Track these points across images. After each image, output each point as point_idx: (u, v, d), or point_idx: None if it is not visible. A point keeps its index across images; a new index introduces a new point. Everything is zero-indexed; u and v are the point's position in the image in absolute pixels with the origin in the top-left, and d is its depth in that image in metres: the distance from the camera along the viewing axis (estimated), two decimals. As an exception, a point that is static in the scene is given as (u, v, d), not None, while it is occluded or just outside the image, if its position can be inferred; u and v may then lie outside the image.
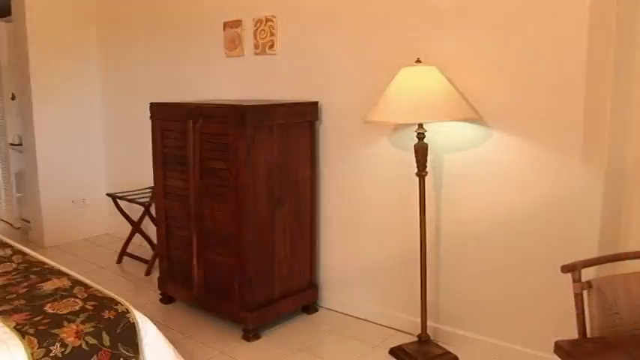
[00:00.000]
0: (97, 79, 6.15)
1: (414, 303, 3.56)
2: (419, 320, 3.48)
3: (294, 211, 3.89)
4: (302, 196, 3.93)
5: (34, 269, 3.20)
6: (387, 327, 3.84)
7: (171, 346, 2.78)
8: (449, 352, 3.41)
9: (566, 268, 2.42)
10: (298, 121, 3.85)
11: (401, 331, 3.77)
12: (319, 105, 3.99)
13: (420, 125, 3.23)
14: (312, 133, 3.94)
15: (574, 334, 2.45)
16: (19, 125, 6.32)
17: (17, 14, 5.78)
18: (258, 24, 4.29)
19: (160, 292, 4.38)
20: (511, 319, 3.31)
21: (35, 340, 2.35)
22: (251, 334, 3.72)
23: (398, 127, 3.64)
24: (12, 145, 6.62)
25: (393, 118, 3.24)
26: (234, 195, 3.60)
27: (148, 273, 5.01)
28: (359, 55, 3.78)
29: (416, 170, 3.28)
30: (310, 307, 4.11)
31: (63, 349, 2.38)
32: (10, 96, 6.56)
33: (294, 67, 4.14)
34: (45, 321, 2.50)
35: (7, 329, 2.42)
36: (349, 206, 3.97)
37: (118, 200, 5.24)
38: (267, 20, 4.22)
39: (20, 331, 2.40)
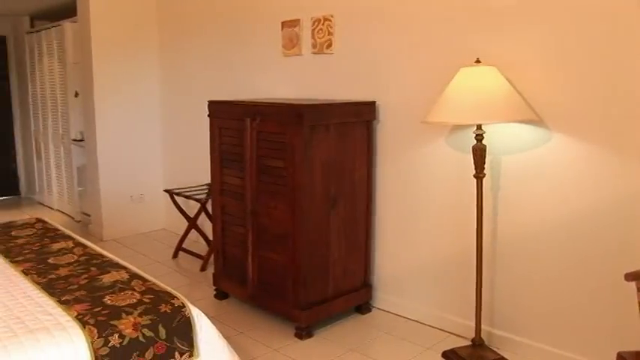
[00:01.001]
0: (157, 77, 6.26)
1: (468, 306, 3.52)
2: (473, 324, 3.44)
3: (350, 211, 3.88)
4: (358, 195, 3.92)
5: (94, 261, 3.29)
6: (440, 329, 3.81)
7: (225, 342, 2.81)
8: (503, 358, 3.36)
9: (630, 277, 2.33)
10: (355, 121, 3.84)
11: (454, 334, 3.73)
12: (376, 105, 3.97)
13: (479, 126, 3.19)
14: (369, 132, 3.93)
15: (638, 346, 2.37)
16: (82, 122, 6.49)
17: (82, 15, 5.95)
18: (316, 23, 4.30)
19: (214, 287, 4.44)
20: (569, 327, 3.23)
21: (95, 330, 2.42)
22: (304, 333, 3.74)
23: (456, 128, 3.60)
24: (74, 140, 6.80)
25: (451, 118, 3.20)
26: (291, 193, 3.62)
27: (202, 269, 5.08)
28: (417, 55, 3.75)
29: (473, 172, 3.23)
30: (363, 307, 4.10)
31: (121, 340, 2.44)
32: (74, 93, 6.74)
33: (352, 67, 4.13)
34: (104, 312, 2.57)
35: (69, 318, 2.50)
36: (405, 207, 3.95)
37: (175, 196, 5.33)
38: (325, 19, 4.23)
39: (81, 320, 2.47)
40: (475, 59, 3.17)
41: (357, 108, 3.89)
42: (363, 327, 3.92)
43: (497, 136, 3.39)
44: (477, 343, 3.40)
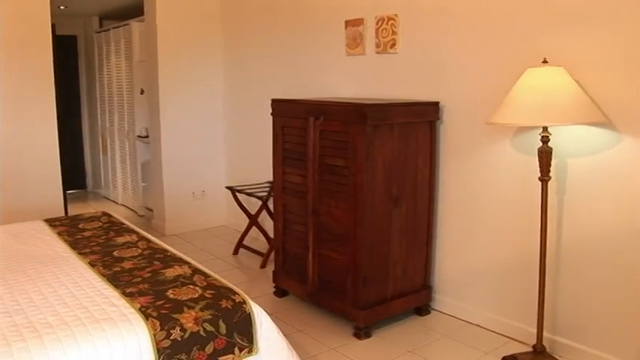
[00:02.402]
0: (220, 75, 6.34)
1: (530, 311, 3.44)
2: (534, 330, 3.35)
3: (411, 211, 3.85)
4: (420, 196, 3.89)
5: (158, 255, 3.34)
6: (500, 334, 3.74)
7: (285, 339, 2.82)
8: (566, 366, 3.28)
9: None
10: (419, 121, 3.81)
11: (514, 339, 3.65)
12: (440, 105, 3.93)
13: (545, 128, 3.11)
14: (432, 133, 3.89)
15: None
16: (147, 118, 6.63)
17: (149, 14, 6.07)
18: (380, 22, 4.28)
19: (273, 285, 4.47)
20: (637, 337, 3.12)
21: (157, 323, 2.46)
22: (362, 333, 3.72)
23: (521, 130, 3.53)
24: (139, 137, 6.95)
25: (516, 120, 3.13)
26: (353, 193, 3.61)
27: (263, 266, 5.12)
28: (482, 55, 3.69)
29: (538, 175, 3.16)
30: (422, 308, 4.06)
31: (182, 334, 2.48)
32: (140, 91, 6.89)
33: (416, 67, 4.10)
34: (166, 305, 2.61)
35: (132, 310, 2.55)
36: (467, 208, 3.89)
37: (237, 193, 5.39)
38: (389, 19, 4.20)
39: (144, 313, 2.52)
40: (542, 59, 3.10)
41: (420, 108, 3.86)
42: (421, 329, 3.88)
43: (563, 139, 3.31)
44: (539, 350, 3.31)
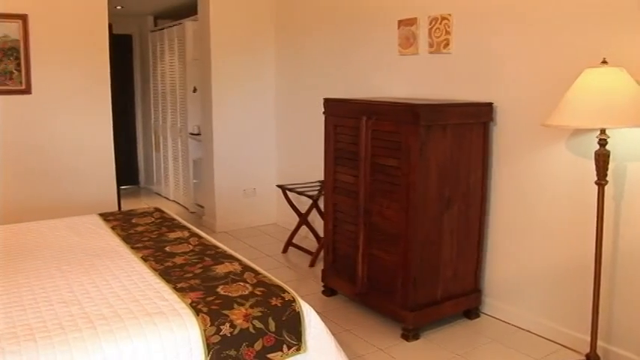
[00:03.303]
0: (272, 74, 6.38)
1: (584, 319, 3.36)
2: (588, 338, 3.26)
3: (463, 213, 3.81)
4: (472, 198, 3.84)
5: (209, 252, 3.38)
6: (551, 341, 3.65)
7: (333, 339, 2.82)
8: (621, 377, 3.19)
9: None
10: (472, 122, 3.77)
11: (566, 347, 3.57)
12: (494, 106, 3.87)
13: (603, 131, 3.03)
14: (485, 134, 3.84)
15: None
16: (199, 116, 6.71)
17: (202, 14, 6.14)
18: (434, 22, 4.24)
19: (322, 284, 4.47)
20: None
21: (208, 319, 2.49)
22: (410, 334, 3.70)
23: (577, 132, 3.45)
24: (191, 134, 7.04)
25: (573, 122, 3.06)
26: (404, 193, 3.59)
27: (312, 264, 5.13)
28: (538, 55, 3.62)
29: (595, 178, 3.08)
30: (472, 312, 4.01)
31: (232, 330, 2.50)
32: (193, 89, 6.97)
33: (469, 67, 4.05)
34: (217, 301, 2.63)
35: (183, 305, 2.58)
36: (520, 211, 3.82)
37: (288, 192, 5.41)
38: (443, 19, 4.16)
39: (195, 308, 2.55)
40: (601, 59, 3.02)
41: (473, 109, 3.81)
42: (470, 333, 3.83)
43: (622, 142, 3.22)
44: None
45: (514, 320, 3.90)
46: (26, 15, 5.13)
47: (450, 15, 4.12)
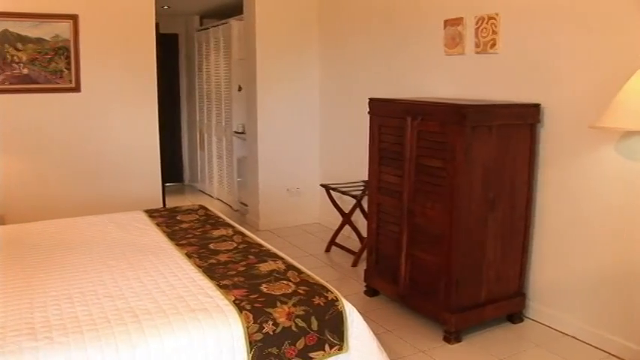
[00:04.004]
0: (317, 74, 6.39)
1: (633, 326, 3.29)
2: (637, 347, 3.20)
3: (508, 215, 3.76)
4: (517, 200, 3.79)
5: (252, 250, 3.40)
6: (597, 348, 3.57)
7: (375, 339, 2.81)
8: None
9: None
10: (518, 123, 3.71)
11: (613, 355, 3.48)
12: (541, 107, 3.81)
13: (656, 133, 2.97)
14: (532, 136, 3.78)
15: None
16: (244, 115, 6.76)
17: (248, 13, 6.19)
18: (480, 22, 4.20)
19: (364, 284, 4.46)
20: None
21: (251, 316, 2.51)
22: (452, 337, 3.67)
23: (628, 134, 3.37)
24: (236, 133, 7.10)
25: (624, 124, 2.99)
26: (449, 194, 3.56)
27: (354, 264, 5.12)
28: (588, 55, 3.54)
29: (646, 182, 3.02)
30: (515, 316, 3.95)
31: (274, 328, 2.51)
32: (238, 88, 7.03)
33: (516, 67, 3.99)
34: (260, 299, 2.65)
35: (227, 302, 2.61)
36: (567, 215, 3.75)
37: (331, 191, 5.41)
38: (490, 18, 4.11)
39: (238, 305, 2.57)
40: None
41: (520, 110, 3.76)
42: (514, 337, 3.78)
43: (676, 145, 3.14)
44: (641, 368, 3.17)
45: (559, 326, 3.83)
46: (77, 15, 5.24)
47: (497, 15, 4.07)
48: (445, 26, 4.53)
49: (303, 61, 6.31)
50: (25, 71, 5.15)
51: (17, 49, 5.09)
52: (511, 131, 3.68)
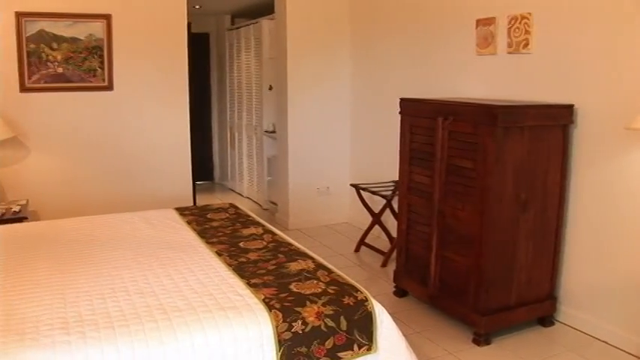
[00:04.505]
0: (348, 73, 6.38)
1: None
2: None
3: (540, 217, 3.72)
4: (549, 202, 3.74)
5: (282, 249, 3.41)
6: (630, 354, 3.51)
7: (405, 340, 2.80)
8: None
9: None
10: (551, 124, 3.67)
11: (649, 361, 3.45)
12: (574, 108, 3.76)
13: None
14: (564, 137, 3.73)
15: None
16: (274, 114, 6.78)
17: (279, 12, 6.21)
18: (513, 21, 4.15)
19: (394, 284, 4.46)
20: None
21: (280, 315, 2.51)
22: (482, 339, 3.64)
23: (664, 136, 3.32)
24: (266, 132, 7.12)
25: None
26: (480, 195, 3.54)
27: (384, 264, 5.11)
28: (623, 55, 3.49)
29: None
30: (546, 319, 3.91)
31: (303, 327, 2.51)
32: (268, 87, 7.05)
33: (550, 68, 3.94)
34: (290, 298, 2.65)
35: (257, 300, 2.61)
36: (601, 218, 3.69)
37: (361, 191, 5.40)
38: (523, 18, 4.07)
39: (268, 304, 2.58)
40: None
41: (553, 111, 3.71)
42: (544, 341, 3.73)
43: None
44: (676, 376, 3.11)
45: (591, 330, 3.77)
46: (110, 15, 5.31)
47: (530, 14, 4.02)
48: (477, 26, 4.49)
49: (334, 61, 6.31)
50: (60, 70, 5.23)
51: (52, 49, 5.17)
52: (543, 132, 3.64)
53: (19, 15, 5.01)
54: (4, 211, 4.55)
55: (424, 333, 3.79)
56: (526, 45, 4.07)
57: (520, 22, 4.10)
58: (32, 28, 5.08)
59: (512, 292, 3.71)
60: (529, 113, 3.60)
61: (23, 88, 5.12)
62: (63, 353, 2.18)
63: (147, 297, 2.65)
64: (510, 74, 4.25)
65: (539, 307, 3.85)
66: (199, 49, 8.56)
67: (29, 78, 5.14)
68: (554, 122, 3.69)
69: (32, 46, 5.10)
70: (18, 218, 4.49)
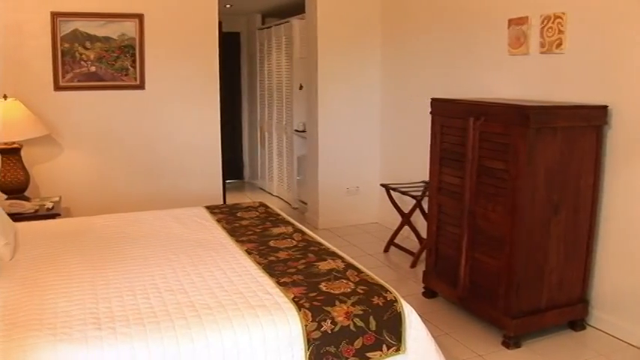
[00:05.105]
0: (378, 73, 6.36)
1: None
2: None
3: (572, 220, 3.67)
4: (582, 204, 3.69)
5: (312, 248, 3.41)
6: (667, 361, 3.47)
7: (434, 342, 2.79)
8: None
9: None
10: (584, 125, 3.62)
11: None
12: (609, 109, 3.70)
13: None
14: (598, 138, 3.68)
15: None
16: (304, 113, 6.79)
17: (310, 12, 6.22)
18: (546, 21, 4.11)
19: (423, 285, 4.44)
20: None
21: (310, 314, 2.52)
22: (511, 342, 3.61)
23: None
24: (296, 131, 7.13)
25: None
26: (511, 197, 3.51)
27: (413, 265, 5.09)
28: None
29: None
30: (577, 323, 3.85)
31: (332, 327, 2.52)
32: (299, 86, 7.06)
33: (583, 68, 3.89)
34: (319, 298, 2.65)
35: (286, 299, 2.62)
36: (635, 221, 3.62)
37: (391, 191, 5.39)
38: (556, 17, 4.02)
39: (297, 303, 2.58)
40: None
41: (586, 112, 3.66)
42: (575, 345, 3.68)
43: None
44: None
45: (624, 336, 3.71)
46: (142, 14, 5.36)
47: (563, 13, 3.97)
48: (509, 26, 4.45)
49: (365, 60, 6.29)
50: (93, 69, 5.29)
51: (86, 48, 5.24)
52: (576, 133, 3.59)
53: (55, 15, 5.08)
54: (37, 207, 4.62)
55: (453, 334, 3.77)
56: (559, 45, 4.02)
57: (553, 22, 4.05)
58: (67, 27, 5.15)
59: (542, 294, 3.67)
60: (562, 114, 3.56)
61: (57, 87, 5.20)
62: (95, 349, 2.21)
63: (177, 294, 2.68)
64: (543, 74, 4.20)
65: (570, 311, 3.81)
66: (230, 48, 8.60)
67: (63, 77, 5.21)
68: (588, 123, 3.64)
69: (66, 45, 5.17)
70: (51, 214, 4.57)
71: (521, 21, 4.33)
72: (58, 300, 2.60)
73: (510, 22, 4.44)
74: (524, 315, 3.61)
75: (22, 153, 4.86)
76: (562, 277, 3.72)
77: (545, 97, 4.14)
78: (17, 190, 4.78)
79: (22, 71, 5.07)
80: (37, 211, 4.57)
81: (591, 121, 3.65)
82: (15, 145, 4.79)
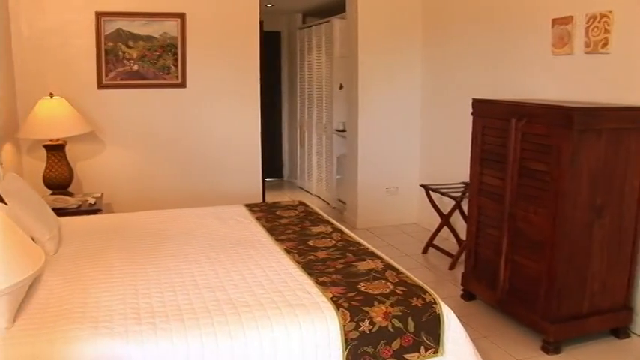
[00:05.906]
0: (419, 73, 6.33)
1: None
2: None
3: (616, 224, 3.60)
4: (626, 208, 3.61)
5: (351, 248, 3.41)
6: None
7: (472, 344, 2.76)
8: None
9: None
10: (630, 127, 3.53)
11: None
12: (656, 111, 3.63)
13: None
14: (645, 141, 3.60)
15: None
16: (344, 113, 6.79)
17: (350, 12, 6.22)
18: (591, 20, 4.03)
19: (461, 287, 4.40)
20: None
21: (348, 314, 2.52)
22: (551, 347, 3.55)
23: None
24: (336, 130, 7.14)
25: None
26: (553, 199, 3.45)
27: (451, 267, 5.05)
28: None
29: None
30: (621, 330, 3.77)
31: (371, 327, 2.51)
32: (339, 86, 7.06)
33: (630, 68, 3.80)
34: (358, 298, 2.65)
35: (324, 299, 2.63)
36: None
37: (431, 192, 5.36)
38: (602, 16, 3.94)
39: (336, 302, 2.59)
40: None
41: (633, 113, 3.58)
42: (618, 353, 3.60)
43: None
44: None
45: (668, 343, 3.64)
46: (184, 14, 5.43)
47: (610, 12, 3.90)
48: (553, 25, 4.38)
49: (405, 60, 6.27)
50: (135, 67, 5.37)
51: (129, 47, 5.32)
52: (622, 135, 3.51)
53: (99, 15, 5.18)
54: (80, 203, 4.70)
55: (491, 338, 3.73)
56: (605, 45, 3.95)
57: (599, 21, 3.97)
58: (110, 27, 5.25)
59: (584, 300, 3.61)
60: (607, 115, 3.49)
61: (100, 85, 5.30)
62: (135, 343, 2.25)
63: (216, 291, 2.70)
64: (587, 75, 4.13)
65: (613, 317, 3.73)
66: (271, 47, 8.65)
67: (106, 75, 5.31)
68: (635, 125, 3.56)
69: (110, 44, 5.27)
70: (93, 210, 4.64)
71: (565, 20, 4.26)
72: (101, 294, 2.65)
73: (554, 21, 4.37)
74: (564, 320, 3.55)
75: (67, 150, 4.95)
76: (605, 283, 3.65)
77: (590, 98, 4.07)
78: (61, 186, 4.89)
79: (67, 70, 5.18)
80: (79, 206, 4.65)
81: (638, 123, 3.57)
82: (60, 142, 4.89)
